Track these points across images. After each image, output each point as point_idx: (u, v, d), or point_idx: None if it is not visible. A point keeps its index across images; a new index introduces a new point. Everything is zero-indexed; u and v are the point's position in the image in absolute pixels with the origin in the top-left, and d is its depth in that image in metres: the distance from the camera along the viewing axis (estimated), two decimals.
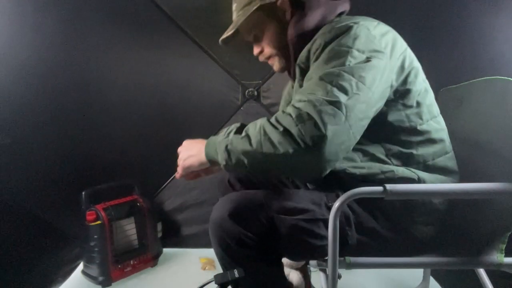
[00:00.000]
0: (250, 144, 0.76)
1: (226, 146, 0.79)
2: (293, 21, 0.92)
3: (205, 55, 1.72)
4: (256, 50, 1.03)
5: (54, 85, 1.55)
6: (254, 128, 0.78)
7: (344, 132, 0.72)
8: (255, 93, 1.80)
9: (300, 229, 0.83)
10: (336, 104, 0.71)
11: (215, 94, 1.82)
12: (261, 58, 1.04)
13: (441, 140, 0.90)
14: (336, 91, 0.72)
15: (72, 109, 1.61)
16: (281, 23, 0.95)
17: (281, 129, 0.73)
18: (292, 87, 1.09)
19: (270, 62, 1.03)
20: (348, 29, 0.80)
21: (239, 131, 0.81)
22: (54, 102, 1.56)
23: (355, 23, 0.81)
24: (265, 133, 0.75)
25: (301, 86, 0.87)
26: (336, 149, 0.72)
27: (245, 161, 0.77)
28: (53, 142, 1.58)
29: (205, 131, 1.82)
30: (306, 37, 0.89)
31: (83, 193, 1.58)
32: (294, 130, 0.71)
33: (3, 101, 1.40)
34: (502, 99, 0.89)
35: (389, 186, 0.75)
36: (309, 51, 0.85)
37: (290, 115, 0.74)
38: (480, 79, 0.99)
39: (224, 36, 1.01)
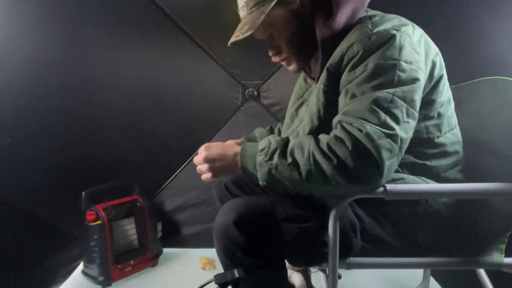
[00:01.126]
0: (299, 173, 0.72)
1: (270, 170, 0.75)
2: (320, 19, 0.83)
3: (205, 55, 1.72)
4: (271, 51, 0.93)
5: (54, 85, 1.55)
6: (302, 153, 0.73)
7: (396, 163, 0.72)
8: (255, 93, 1.80)
9: (306, 237, 0.81)
10: (393, 137, 0.69)
11: (215, 94, 1.82)
12: (277, 59, 0.94)
13: (455, 153, 0.88)
14: (389, 120, 0.70)
15: (72, 109, 1.61)
16: (301, 21, 0.86)
17: (335, 161, 0.69)
18: (305, 80, 1.04)
19: (284, 63, 0.94)
20: (390, 38, 0.74)
21: (283, 153, 0.75)
22: (54, 102, 1.56)
23: (396, 30, 0.75)
24: (315, 162, 0.71)
25: (325, 92, 0.82)
26: (386, 179, 0.72)
27: (290, 186, 0.75)
28: (53, 142, 1.58)
29: (205, 131, 1.82)
30: (336, 37, 0.82)
31: (83, 193, 1.58)
32: (349, 164, 0.68)
33: (3, 101, 1.40)
34: (502, 99, 0.89)
35: (389, 186, 0.75)
36: (342, 56, 0.78)
37: (344, 144, 0.69)
38: (480, 79, 0.99)
39: (238, 39, 0.87)
